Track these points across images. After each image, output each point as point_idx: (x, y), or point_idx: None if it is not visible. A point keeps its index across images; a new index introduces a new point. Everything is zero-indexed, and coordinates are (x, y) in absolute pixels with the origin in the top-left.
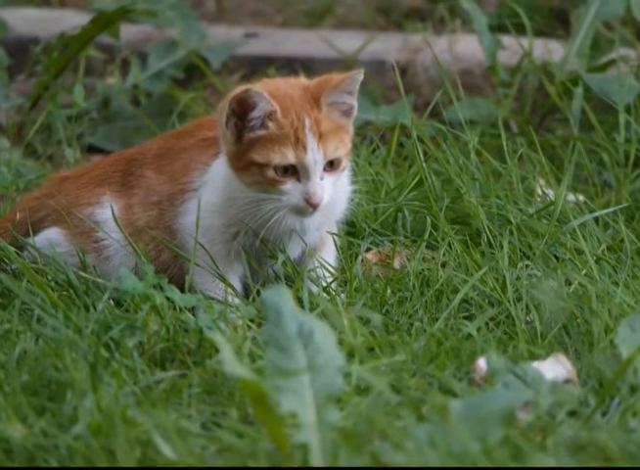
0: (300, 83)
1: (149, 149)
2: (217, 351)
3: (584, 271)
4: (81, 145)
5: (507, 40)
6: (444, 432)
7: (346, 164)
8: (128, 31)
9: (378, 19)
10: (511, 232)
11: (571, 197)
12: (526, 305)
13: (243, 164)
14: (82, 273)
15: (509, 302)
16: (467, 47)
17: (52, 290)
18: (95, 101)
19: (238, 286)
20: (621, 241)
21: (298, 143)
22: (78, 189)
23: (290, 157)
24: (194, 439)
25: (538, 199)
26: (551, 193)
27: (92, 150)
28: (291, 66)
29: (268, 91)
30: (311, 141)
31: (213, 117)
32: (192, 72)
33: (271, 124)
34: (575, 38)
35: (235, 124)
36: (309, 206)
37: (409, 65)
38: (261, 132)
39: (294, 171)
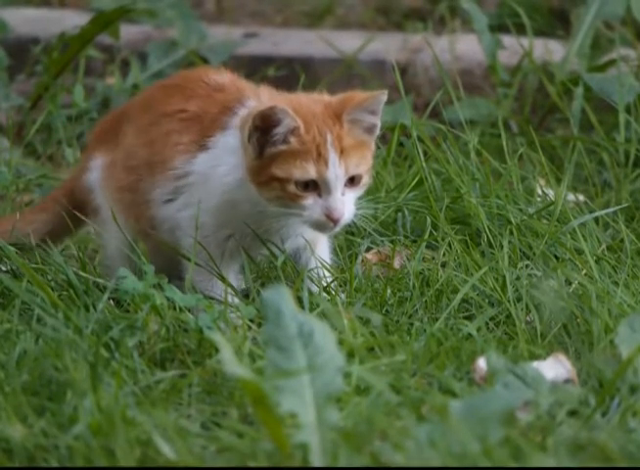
0: (323, 99)
1: (135, 101)
2: (217, 351)
3: (584, 271)
4: (81, 145)
5: (507, 40)
6: (444, 432)
7: (368, 180)
8: (128, 31)
9: (378, 19)
10: (511, 232)
11: (571, 197)
12: (526, 306)
13: (264, 178)
14: (82, 273)
15: (509, 302)
16: (467, 47)
17: (52, 290)
18: (95, 101)
19: (235, 283)
20: (621, 241)
21: (320, 158)
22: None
23: (311, 172)
24: (194, 439)
25: (538, 199)
26: (551, 193)
27: None
28: (291, 66)
29: (292, 107)
30: (333, 156)
31: (207, 74)
32: None
33: (293, 140)
34: (575, 38)
35: (257, 140)
36: (330, 221)
37: (409, 65)
38: (283, 147)
39: (315, 187)
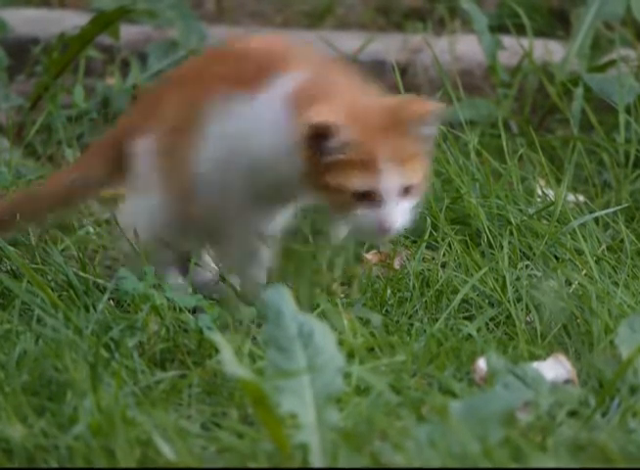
0: (380, 102)
1: (175, 75)
2: (217, 351)
3: (584, 271)
4: (81, 145)
5: (507, 40)
6: (444, 432)
7: (423, 188)
8: (128, 32)
9: (378, 19)
10: (511, 232)
11: (570, 197)
12: (526, 306)
13: (317, 182)
14: (82, 273)
15: (509, 302)
16: (467, 47)
17: (52, 290)
18: (95, 101)
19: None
20: (621, 241)
21: (376, 170)
22: None
23: (366, 183)
24: (194, 439)
25: (538, 199)
26: (551, 193)
27: None
28: None
29: (348, 113)
30: (389, 168)
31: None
32: None
33: (349, 149)
34: (575, 38)
35: (310, 146)
36: (382, 231)
37: (409, 65)
38: (338, 157)
39: (369, 196)
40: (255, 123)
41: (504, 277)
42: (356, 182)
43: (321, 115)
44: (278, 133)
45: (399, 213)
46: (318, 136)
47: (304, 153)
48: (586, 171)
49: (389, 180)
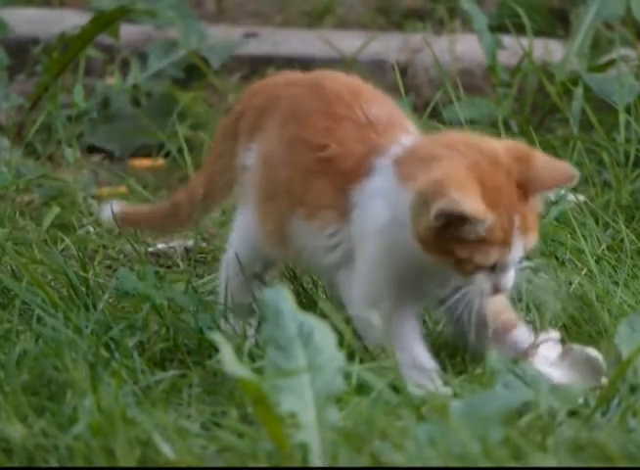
0: (502, 164)
1: (288, 93)
2: (217, 351)
3: (584, 271)
4: (81, 145)
5: (507, 40)
6: (444, 432)
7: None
8: (128, 31)
9: (378, 19)
10: None
11: (571, 197)
12: (527, 306)
13: (437, 249)
14: (82, 273)
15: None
16: (467, 47)
17: (56, 291)
18: (95, 101)
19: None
20: (621, 241)
21: (505, 244)
22: None
23: (494, 257)
24: (194, 438)
25: None
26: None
27: (92, 150)
28: (291, 66)
29: (478, 185)
30: (516, 240)
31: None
32: (192, 72)
33: (480, 230)
34: (575, 38)
35: (439, 225)
36: (496, 293)
37: (409, 65)
38: (468, 235)
39: (494, 265)
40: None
41: None
42: (484, 258)
43: (452, 202)
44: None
45: (513, 275)
46: (449, 220)
47: (429, 226)
48: (586, 171)
49: (516, 251)
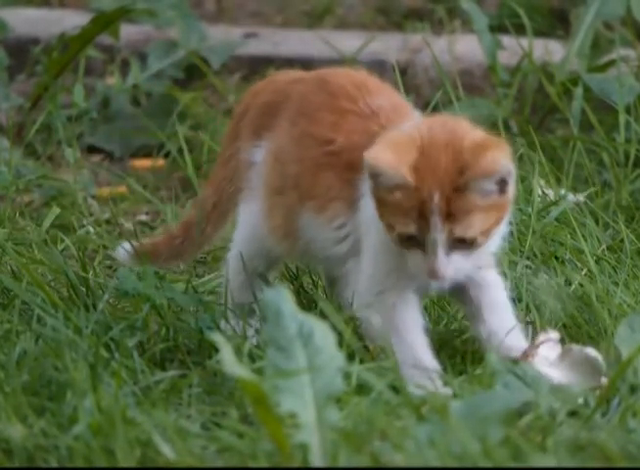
0: (456, 149)
1: (296, 90)
2: (217, 351)
3: (584, 271)
4: (81, 145)
5: (507, 40)
6: (444, 432)
7: (486, 240)
8: (128, 31)
9: (378, 19)
10: (511, 232)
11: (571, 197)
12: (527, 306)
13: (382, 220)
14: (82, 273)
15: None
16: (467, 47)
17: (56, 291)
18: (95, 101)
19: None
20: (621, 241)
21: (421, 217)
22: None
23: (411, 228)
24: (194, 439)
25: (538, 199)
26: (551, 193)
27: (92, 150)
28: (291, 66)
29: (413, 158)
30: (435, 218)
31: (360, 91)
32: (192, 72)
33: (399, 193)
34: (575, 38)
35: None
36: (432, 276)
37: (409, 65)
38: (389, 197)
39: (419, 242)
40: None
41: (504, 276)
42: (402, 226)
43: (380, 158)
44: None
45: (451, 264)
46: (371, 173)
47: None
48: (586, 171)
49: (435, 233)
